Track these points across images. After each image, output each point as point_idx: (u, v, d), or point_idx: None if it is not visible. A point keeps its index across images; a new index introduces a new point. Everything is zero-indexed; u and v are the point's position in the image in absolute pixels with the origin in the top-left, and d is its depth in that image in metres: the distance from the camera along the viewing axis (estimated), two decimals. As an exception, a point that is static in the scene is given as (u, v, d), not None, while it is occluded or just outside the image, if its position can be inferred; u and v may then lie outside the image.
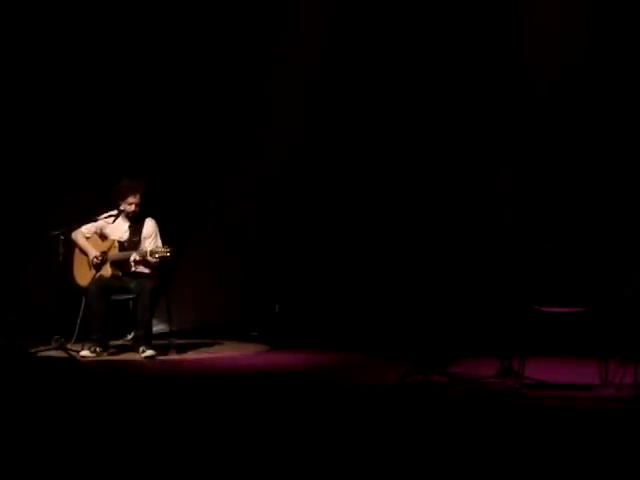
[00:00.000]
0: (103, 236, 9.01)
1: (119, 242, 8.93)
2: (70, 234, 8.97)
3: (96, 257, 8.89)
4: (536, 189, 9.20)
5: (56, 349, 8.52)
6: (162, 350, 8.92)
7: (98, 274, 8.86)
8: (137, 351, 8.77)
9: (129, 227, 9.00)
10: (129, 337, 9.26)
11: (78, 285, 8.96)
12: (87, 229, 9.04)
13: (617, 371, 7.10)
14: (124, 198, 8.90)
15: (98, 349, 8.80)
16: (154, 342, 8.92)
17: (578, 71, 9.22)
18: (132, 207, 8.91)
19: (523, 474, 5.23)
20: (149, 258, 8.79)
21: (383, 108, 9.93)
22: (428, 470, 5.26)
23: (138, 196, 8.92)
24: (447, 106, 9.63)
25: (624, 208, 8.88)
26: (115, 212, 8.88)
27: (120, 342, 9.31)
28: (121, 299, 9.01)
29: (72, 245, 9.01)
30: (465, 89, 9.58)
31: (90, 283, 8.82)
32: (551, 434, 5.91)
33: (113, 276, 8.89)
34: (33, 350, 8.24)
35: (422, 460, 5.41)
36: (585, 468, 5.27)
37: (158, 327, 9.57)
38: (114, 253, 8.89)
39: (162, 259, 8.75)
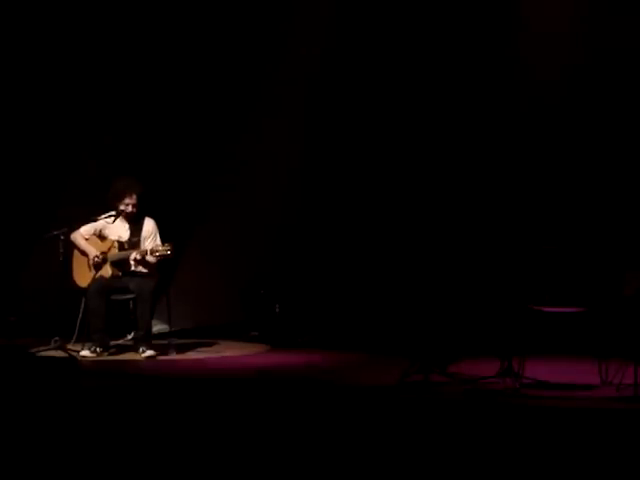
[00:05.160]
0: (102, 237, 9.01)
1: (119, 242, 8.93)
2: (70, 234, 8.98)
3: (96, 257, 8.88)
4: (536, 189, 9.21)
5: (56, 349, 8.52)
6: (162, 350, 8.92)
7: (98, 274, 8.86)
8: (137, 351, 8.77)
9: (128, 227, 9.00)
10: (129, 337, 9.26)
11: (78, 287, 8.96)
12: (86, 230, 9.04)
13: (617, 371, 7.10)
14: (120, 199, 8.89)
15: (98, 349, 8.81)
16: (154, 342, 8.92)
17: (578, 71, 9.22)
18: (129, 208, 8.90)
19: (523, 474, 5.23)
20: (149, 257, 8.79)
21: (382, 108, 9.92)
22: (428, 470, 5.26)
23: (134, 196, 8.91)
24: (447, 107, 9.63)
25: (624, 208, 8.88)
26: (114, 212, 8.89)
27: (120, 342, 9.32)
28: (121, 299, 9.01)
29: (71, 247, 9.01)
30: (465, 90, 9.58)
31: (90, 284, 8.82)
32: (551, 434, 5.91)
33: (113, 276, 8.88)
34: (33, 350, 8.25)
35: (422, 460, 5.41)
36: (585, 468, 5.27)
37: (158, 327, 9.58)
38: (114, 253, 8.89)
39: (163, 257, 8.75)
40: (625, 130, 9.14)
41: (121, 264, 8.91)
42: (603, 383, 7.20)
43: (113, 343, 9.14)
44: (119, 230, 9.00)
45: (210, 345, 9.59)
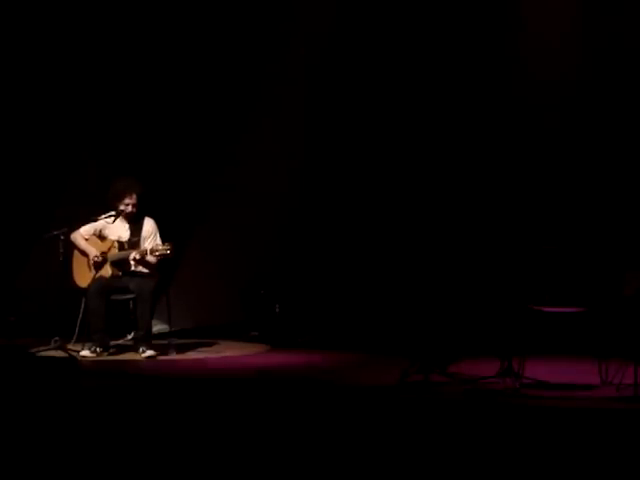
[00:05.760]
0: (102, 237, 9.01)
1: (119, 242, 8.92)
2: (69, 235, 8.98)
3: (96, 256, 8.88)
4: (536, 189, 9.21)
5: (56, 349, 8.52)
6: (162, 350, 8.92)
7: (98, 274, 8.86)
8: (137, 351, 8.77)
9: (128, 227, 9.00)
10: (129, 337, 9.26)
11: (78, 287, 8.96)
12: (86, 231, 9.04)
13: (617, 371, 7.10)
14: (120, 199, 8.89)
15: (98, 349, 8.80)
16: (154, 342, 8.92)
17: (578, 71, 9.22)
18: (129, 208, 8.90)
19: (523, 474, 5.22)
20: (149, 257, 8.79)
21: (382, 108, 9.92)
22: (428, 470, 5.26)
23: (134, 196, 8.91)
24: (447, 107, 9.62)
25: (624, 208, 8.88)
26: (114, 212, 8.89)
27: (120, 342, 9.32)
28: (121, 299, 9.01)
29: (71, 247, 9.01)
30: (465, 90, 9.58)
31: (90, 284, 8.82)
32: (551, 434, 5.91)
33: (113, 276, 8.88)
34: (33, 350, 8.25)
35: (422, 460, 5.41)
36: (585, 468, 5.27)
37: (158, 327, 9.58)
38: (114, 253, 8.88)
39: (163, 257, 8.75)
40: (625, 130, 9.14)
41: (121, 264, 8.90)
42: (603, 383, 7.20)
43: (113, 343, 9.14)
44: (119, 230, 8.99)
45: (210, 345, 9.59)
